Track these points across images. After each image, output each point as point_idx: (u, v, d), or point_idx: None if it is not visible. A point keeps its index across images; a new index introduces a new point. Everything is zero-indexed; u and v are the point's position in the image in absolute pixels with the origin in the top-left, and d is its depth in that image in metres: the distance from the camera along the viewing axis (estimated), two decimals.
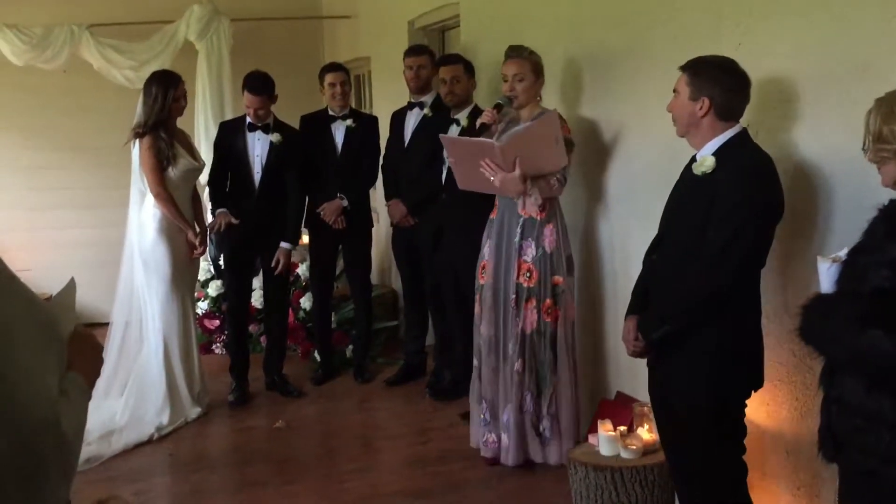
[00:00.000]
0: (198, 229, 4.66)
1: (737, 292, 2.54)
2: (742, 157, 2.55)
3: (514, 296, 3.78)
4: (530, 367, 3.77)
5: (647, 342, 2.71)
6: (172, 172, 4.54)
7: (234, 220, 4.80)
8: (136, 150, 4.58)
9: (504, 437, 3.86)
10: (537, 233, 3.76)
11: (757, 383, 2.66)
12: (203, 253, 4.74)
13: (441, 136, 3.82)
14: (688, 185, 2.66)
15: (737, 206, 2.47)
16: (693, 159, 2.67)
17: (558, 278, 3.75)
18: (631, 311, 2.85)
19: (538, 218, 3.75)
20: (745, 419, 2.69)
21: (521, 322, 3.76)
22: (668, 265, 2.69)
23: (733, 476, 2.69)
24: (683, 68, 2.65)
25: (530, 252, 3.76)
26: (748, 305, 2.61)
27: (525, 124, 3.72)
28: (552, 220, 3.76)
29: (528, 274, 3.76)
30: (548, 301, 3.74)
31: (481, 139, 3.68)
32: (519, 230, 3.78)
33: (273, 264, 4.95)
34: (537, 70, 3.80)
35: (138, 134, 4.52)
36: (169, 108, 4.54)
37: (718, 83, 2.57)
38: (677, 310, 2.61)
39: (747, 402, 2.67)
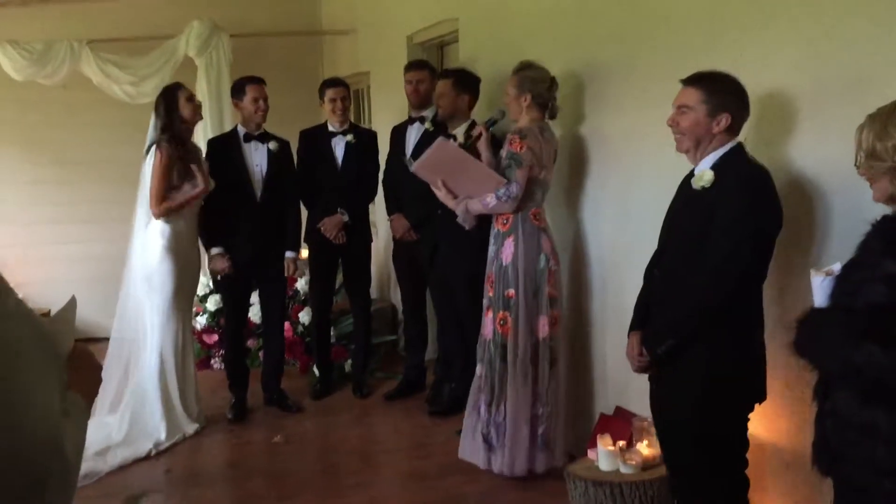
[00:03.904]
0: (200, 187, 4.55)
1: (738, 305, 2.54)
2: (740, 170, 2.57)
3: (485, 302, 3.95)
4: (487, 373, 3.88)
5: (651, 357, 2.71)
6: (186, 189, 4.53)
7: (229, 269, 4.83)
8: (147, 166, 4.55)
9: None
10: (499, 245, 3.87)
11: (760, 396, 2.66)
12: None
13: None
14: (686, 199, 2.68)
15: (736, 219, 2.48)
16: (691, 174, 2.68)
17: (511, 291, 3.81)
18: (634, 326, 2.86)
19: (502, 230, 3.87)
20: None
21: (484, 329, 3.92)
22: (670, 279, 2.70)
23: (735, 490, 2.69)
24: (693, 83, 2.65)
25: (495, 263, 3.88)
26: (750, 318, 2.61)
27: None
28: (512, 234, 3.83)
29: (490, 284, 3.90)
30: (501, 313, 3.83)
31: (410, 161, 4.00)
32: (492, 241, 3.94)
33: (287, 273, 5.01)
34: (518, 86, 3.87)
35: (152, 146, 4.53)
36: (181, 115, 4.55)
37: (734, 99, 2.61)
38: (681, 323, 2.62)
39: (749, 415, 2.67)
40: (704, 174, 2.60)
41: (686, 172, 2.76)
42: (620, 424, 3.62)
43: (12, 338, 1.23)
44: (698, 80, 2.65)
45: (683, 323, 2.61)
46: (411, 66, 5.10)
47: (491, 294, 3.89)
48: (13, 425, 1.18)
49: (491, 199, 3.76)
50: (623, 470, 3.27)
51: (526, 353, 3.81)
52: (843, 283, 1.97)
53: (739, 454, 2.67)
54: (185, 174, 4.52)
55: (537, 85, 3.86)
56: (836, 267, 2.03)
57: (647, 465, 3.28)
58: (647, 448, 3.34)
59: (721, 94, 2.61)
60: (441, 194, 3.91)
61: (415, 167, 3.91)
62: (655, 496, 3.19)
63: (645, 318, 2.83)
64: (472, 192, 3.82)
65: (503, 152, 3.85)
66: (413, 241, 5.00)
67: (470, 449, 3.99)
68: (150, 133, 4.60)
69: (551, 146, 3.89)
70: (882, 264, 1.85)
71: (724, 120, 2.59)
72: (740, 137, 2.67)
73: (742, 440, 2.67)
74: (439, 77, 4.84)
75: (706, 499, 2.68)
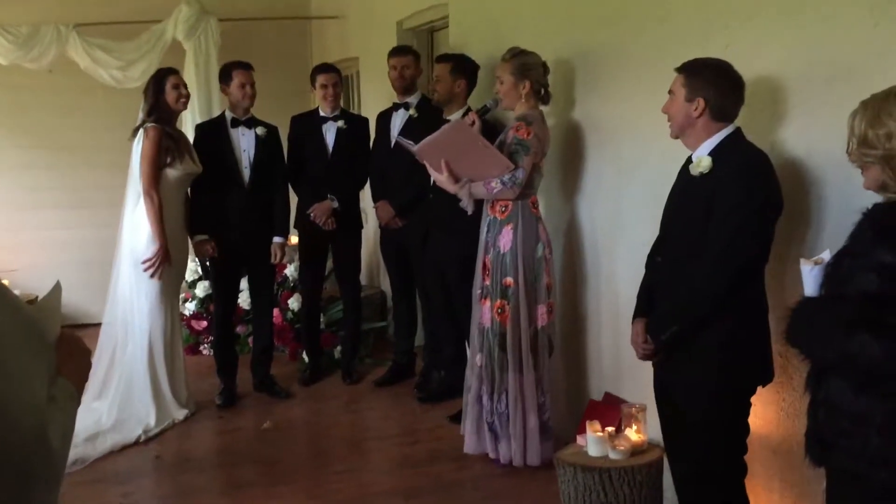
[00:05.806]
0: (158, 245, 4.45)
1: (742, 289, 2.55)
2: (738, 155, 2.59)
3: (479, 291, 3.90)
4: (487, 363, 3.84)
5: (656, 344, 2.72)
6: (172, 172, 4.51)
7: (214, 252, 4.79)
8: (136, 148, 4.52)
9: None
10: (496, 233, 3.82)
11: (765, 378, 2.67)
12: (151, 268, 4.47)
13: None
14: (686, 185, 2.70)
15: (736, 205, 2.50)
16: (689, 160, 2.69)
17: (509, 280, 3.78)
18: (637, 314, 2.86)
19: (499, 218, 3.82)
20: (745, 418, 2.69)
21: (481, 317, 3.86)
22: (672, 266, 2.71)
23: (734, 476, 2.70)
24: (679, 70, 2.70)
25: (492, 251, 3.83)
26: (754, 302, 2.62)
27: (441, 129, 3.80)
28: (511, 221, 3.79)
29: (487, 272, 3.85)
30: (499, 301, 3.79)
31: (409, 143, 3.85)
32: (485, 228, 3.88)
33: (273, 260, 4.98)
34: (518, 72, 3.82)
35: (138, 128, 4.50)
36: (165, 100, 4.53)
37: (713, 84, 2.61)
38: (685, 310, 2.63)
39: (752, 400, 2.68)
40: (702, 160, 2.61)
41: (679, 158, 2.77)
42: (609, 410, 3.63)
43: None
44: (683, 66, 2.70)
45: (687, 310, 2.62)
46: (395, 52, 5.06)
47: (487, 282, 3.84)
48: None
49: (496, 185, 3.69)
50: (612, 456, 3.28)
51: (526, 341, 3.78)
52: (835, 273, 1.96)
53: (741, 440, 2.69)
54: (175, 154, 4.50)
55: (535, 71, 3.84)
56: (826, 256, 2.03)
57: (635, 450, 3.29)
58: (635, 434, 3.34)
59: (698, 79, 2.63)
60: (442, 177, 3.78)
61: (420, 147, 3.75)
62: (644, 482, 3.21)
63: (648, 305, 2.83)
64: (474, 176, 3.74)
65: (505, 139, 3.81)
66: (399, 227, 4.99)
67: (476, 442, 3.94)
68: (140, 116, 4.59)
69: (549, 133, 3.89)
70: (873, 253, 1.84)
71: (699, 105, 2.61)
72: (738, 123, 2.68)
73: (744, 426, 2.68)
74: (437, 60, 4.81)
75: (707, 485, 2.69)
